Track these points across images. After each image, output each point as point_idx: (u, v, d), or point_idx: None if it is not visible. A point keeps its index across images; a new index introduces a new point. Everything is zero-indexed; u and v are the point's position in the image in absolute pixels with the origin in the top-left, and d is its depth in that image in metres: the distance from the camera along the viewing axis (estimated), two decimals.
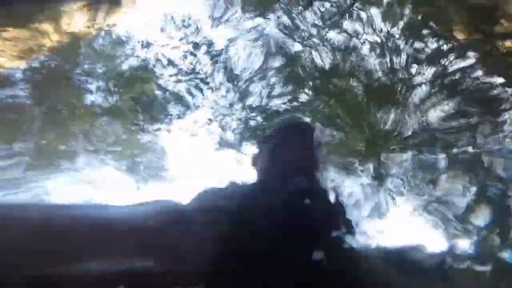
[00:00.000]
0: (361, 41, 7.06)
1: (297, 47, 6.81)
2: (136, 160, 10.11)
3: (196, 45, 6.77)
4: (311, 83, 6.89)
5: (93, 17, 8.16)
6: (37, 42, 8.04)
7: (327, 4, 6.37)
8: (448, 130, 7.90)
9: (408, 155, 7.92)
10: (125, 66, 7.90)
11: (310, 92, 7.07)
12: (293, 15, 6.54)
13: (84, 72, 7.75)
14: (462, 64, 7.87)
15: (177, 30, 6.69)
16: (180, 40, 6.79)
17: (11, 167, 9.50)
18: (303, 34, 6.67)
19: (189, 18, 6.52)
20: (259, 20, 6.43)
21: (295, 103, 7.12)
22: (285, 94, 7.04)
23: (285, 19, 6.60)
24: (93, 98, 8.07)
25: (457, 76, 7.85)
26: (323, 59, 6.93)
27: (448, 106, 8.14)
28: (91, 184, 9.85)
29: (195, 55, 6.86)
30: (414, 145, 7.90)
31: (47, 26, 7.91)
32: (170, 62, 7.09)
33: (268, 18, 6.52)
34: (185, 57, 6.91)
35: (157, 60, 7.04)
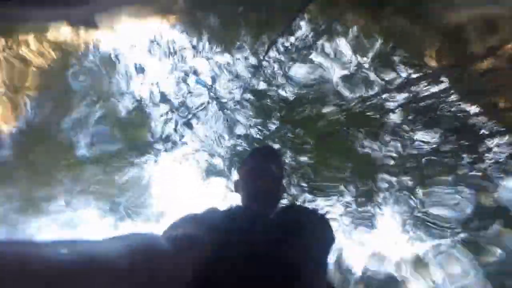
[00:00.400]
0: (329, 72, 7.30)
1: (263, 85, 7.06)
2: (116, 199, 10.12)
3: (186, 75, 6.89)
4: (278, 114, 7.05)
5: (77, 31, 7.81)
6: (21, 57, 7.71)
7: (292, 39, 6.70)
8: (427, 157, 7.85)
9: (386, 182, 7.84)
10: (122, 110, 7.90)
11: (277, 122, 7.22)
12: (259, 55, 6.87)
13: (75, 121, 7.84)
14: (435, 89, 7.97)
15: (166, 57, 6.83)
16: (171, 67, 6.89)
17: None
18: (268, 72, 6.95)
19: (174, 45, 6.67)
20: (228, 56, 6.76)
21: (266, 132, 7.27)
22: (258, 124, 7.21)
23: (251, 59, 6.93)
24: (80, 152, 8.08)
25: (431, 101, 7.92)
26: (288, 93, 7.16)
27: (426, 134, 8.16)
28: (71, 225, 9.81)
29: (187, 85, 6.92)
30: (393, 172, 7.84)
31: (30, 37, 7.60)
32: (163, 97, 7.15)
33: (237, 58, 6.85)
34: (177, 86, 6.96)
35: (151, 94, 7.11)
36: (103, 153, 7.56)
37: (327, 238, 1.07)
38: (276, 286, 0.82)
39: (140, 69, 6.71)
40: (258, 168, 1.23)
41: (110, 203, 10.56)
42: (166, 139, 7.19)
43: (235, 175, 7.46)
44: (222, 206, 1.13)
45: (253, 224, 0.98)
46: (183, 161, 7.68)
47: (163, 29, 6.56)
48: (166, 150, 7.39)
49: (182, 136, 7.17)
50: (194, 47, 6.69)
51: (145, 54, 6.64)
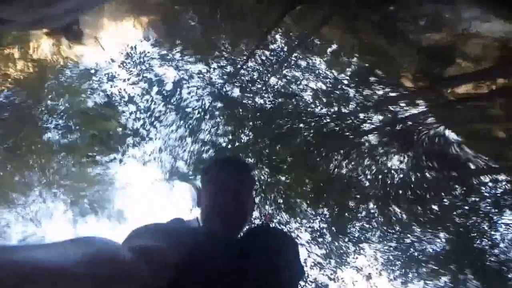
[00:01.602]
0: (303, 87, 7.22)
1: (237, 91, 7.03)
2: (81, 193, 10.09)
3: (151, 83, 6.98)
4: (251, 124, 6.96)
5: (58, 43, 8.32)
6: (1, 72, 8.32)
7: (267, 53, 6.63)
8: (405, 184, 7.69)
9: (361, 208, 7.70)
10: (90, 103, 8.15)
11: (251, 134, 7.14)
12: (237, 64, 6.81)
13: (47, 110, 8.02)
14: (412, 111, 7.86)
15: (134, 67, 6.92)
16: (137, 76, 7.00)
17: None
18: (244, 79, 6.89)
19: (144, 55, 6.76)
20: (201, 66, 6.73)
21: (238, 143, 7.16)
22: (228, 134, 7.13)
23: (228, 68, 6.88)
24: (52, 135, 8.31)
25: (409, 124, 7.81)
26: (265, 102, 7.10)
27: (403, 157, 8.00)
28: (35, 220, 9.81)
29: (150, 94, 7.04)
30: (371, 197, 7.69)
31: (14, 50, 8.18)
32: (131, 100, 7.29)
33: (211, 67, 6.81)
34: (143, 94, 7.10)
35: (121, 97, 7.23)
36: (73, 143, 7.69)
37: (297, 270, 0.99)
38: None
39: (112, 76, 6.89)
40: (222, 183, 1.09)
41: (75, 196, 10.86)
42: (135, 133, 7.20)
43: (197, 186, 7.40)
44: (186, 220, 1.05)
45: (216, 245, 0.92)
46: (148, 160, 7.72)
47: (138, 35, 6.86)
48: (133, 146, 7.38)
49: (148, 133, 7.15)
50: (164, 56, 6.78)
51: (119, 62, 6.93)
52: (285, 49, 7.01)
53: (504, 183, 7.09)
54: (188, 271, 0.74)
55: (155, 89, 6.91)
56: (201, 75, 6.89)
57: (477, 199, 7.16)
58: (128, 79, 6.87)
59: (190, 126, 7.03)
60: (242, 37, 6.49)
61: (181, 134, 7.11)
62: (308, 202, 7.51)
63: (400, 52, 7.76)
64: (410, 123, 8.46)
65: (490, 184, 7.14)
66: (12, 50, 7.84)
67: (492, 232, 6.78)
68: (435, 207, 7.42)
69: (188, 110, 6.94)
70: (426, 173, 7.83)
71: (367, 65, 7.42)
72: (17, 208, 9.28)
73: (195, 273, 0.75)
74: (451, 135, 7.93)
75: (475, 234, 6.94)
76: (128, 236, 0.83)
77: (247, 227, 1.09)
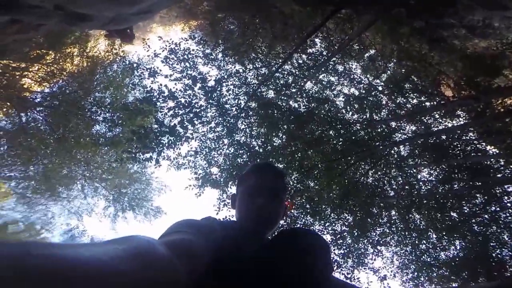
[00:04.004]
0: (337, 92, 7.25)
1: (272, 93, 7.17)
2: (123, 190, 10.53)
3: (194, 80, 7.26)
4: (284, 127, 7.03)
5: (112, 43, 9.19)
6: (59, 66, 9.17)
7: (304, 57, 6.78)
8: (430, 194, 7.41)
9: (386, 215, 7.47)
10: (131, 97, 8.64)
11: (284, 137, 7.19)
12: (271, 66, 7.00)
13: (95, 101, 8.63)
14: (449, 123, 7.58)
15: (178, 63, 7.29)
16: (181, 72, 7.34)
17: (23, 189, 10.35)
18: (279, 83, 7.06)
19: (188, 53, 7.12)
20: (239, 66, 7.00)
21: (270, 146, 7.22)
22: (261, 136, 7.22)
23: (263, 70, 7.10)
24: (99, 128, 8.87)
25: (444, 137, 7.52)
26: (299, 106, 7.19)
27: (433, 169, 7.70)
28: (77, 214, 10.34)
29: (192, 89, 7.29)
30: (394, 206, 7.45)
31: (73, 49, 9.08)
32: (171, 95, 7.59)
33: (247, 68, 7.06)
34: (184, 90, 7.38)
35: (160, 92, 7.59)
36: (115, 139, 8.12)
37: (327, 264, 1.00)
38: None
39: (154, 72, 7.23)
40: (259, 186, 1.15)
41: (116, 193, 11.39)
42: (171, 131, 7.37)
43: (232, 188, 7.55)
44: (218, 219, 1.18)
45: (248, 244, 0.99)
46: (182, 162, 7.88)
47: (183, 36, 7.26)
48: (168, 145, 7.56)
49: (184, 132, 7.32)
50: (207, 55, 7.12)
51: (163, 58, 7.24)
52: (323, 53, 7.14)
53: None
54: (218, 266, 0.78)
55: (193, 85, 7.11)
56: (239, 75, 7.14)
57: (498, 209, 7.04)
58: (170, 75, 7.14)
59: (225, 126, 7.18)
60: (280, 41, 6.72)
61: (216, 134, 7.31)
62: (333, 207, 7.43)
63: (442, 58, 7.44)
64: (445, 136, 8.40)
65: None
66: (72, 49, 8.67)
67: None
68: (454, 215, 7.33)
69: (224, 109, 7.13)
70: (453, 184, 7.58)
71: (403, 71, 7.40)
72: (63, 201, 9.87)
73: (224, 268, 0.80)
74: (490, 150, 7.59)
75: (493, 243, 6.73)
76: (163, 233, 0.86)
77: (278, 227, 1.17)
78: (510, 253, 6.53)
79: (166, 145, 7.40)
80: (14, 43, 7.29)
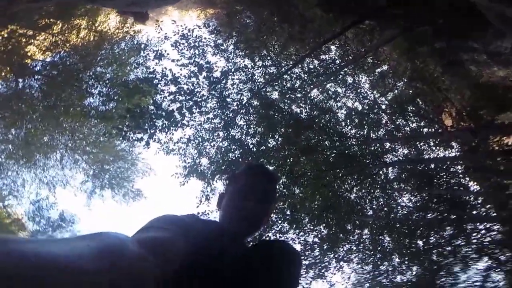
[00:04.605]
0: (341, 104, 7.27)
1: (276, 94, 7.15)
2: (105, 166, 10.22)
3: (201, 68, 7.12)
4: (282, 130, 7.01)
5: (124, 21, 8.99)
6: (64, 37, 8.92)
7: (316, 62, 6.77)
8: (405, 219, 7.56)
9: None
10: (132, 76, 8.46)
11: (280, 140, 7.17)
12: (281, 67, 6.96)
13: (94, 75, 8.40)
14: (441, 153, 7.70)
15: (188, 49, 7.09)
16: (188, 59, 7.18)
17: None
18: (286, 85, 7.02)
19: (200, 41, 7.00)
20: (248, 62, 6.93)
21: (264, 147, 7.18)
22: (257, 135, 7.17)
23: (272, 69, 7.07)
24: (93, 101, 8.62)
25: (432, 165, 7.64)
26: (300, 112, 7.18)
27: (414, 196, 7.84)
28: (50, 185, 9.93)
29: (197, 77, 7.16)
30: (369, 225, 7.57)
31: (81, 21, 8.84)
32: (175, 79, 7.44)
33: (256, 65, 6.99)
34: (189, 77, 7.23)
35: (164, 75, 7.43)
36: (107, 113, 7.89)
37: (296, 280, 1.02)
38: None
39: (160, 55, 7.04)
40: (251, 188, 1.13)
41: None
42: (167, 116, 7.22)
43: (218, 183, 7.51)
44: (201, 218, 1.13)
45: (229, 247, 0.96)
46: (173, 148, 7.74)
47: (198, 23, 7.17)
48: (162, 129, 7.40)
49: (180, 119, 7.18)
50: (218, 45, 7.01)
51: (173, 42, 7.07)
52: (336, 62, 7.14)
53: (495, 233, 7.15)
54: (194, 266, 0.78)
55: (199, 74, 6.95)
56: (246, 71, 7.05)
57: (463, 243, 7.27)
58: (177, 60, 6.96)
59: (223, 119, 7.09)
60: (295, 42, 6.66)
61: (212, 126, 7.22)
62: (311, 217, 7.48)
63: (452, 84, 7.47)
64: (433, 165, 8.43)
65: (482, 231, 7.17)
66: (80, 21, 8.45)
67: (459, 275, 6.88)
68: (420, 243, 7.56)
69: (226, 102, 7.01)
70: (428, 213, 7.77)
71: (411, 92, 7.55)
72: (37, 170, 9.46)
73: (200, 268, 0.79)
74: (473, 186, 7.80)
75: (443, 273, 7.03)
76: (141, 228, 0.85)
77: (258, 230, 1.15)
78: (451, 282, 6.89)
79: (159, 128, 7.27)
80: (25, 10, 7.09)
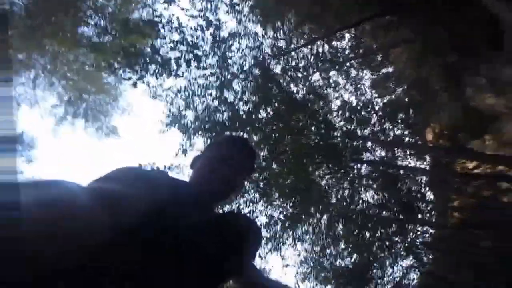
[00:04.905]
0: (338, 94, 7.33)
1: (278, 69, 7.03)
2: (83, 95, 9.68)
3: (209, 23, 6.71)
4: (274, 105, 6.99)
5: None
6: None
7: (326, 47, 6.65)
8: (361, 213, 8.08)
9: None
10: (136, 14, 7.78)
11: (270, 114, 7.17)
12: (291, 44, 6.76)
13: (93, 5, 7.62)
14: (413, 163, 8.16)
15: (200, 1, 6.67)
16: (199, 11, 6.71)
17: None
18: (291, 63, 6.89)
19: None
20: (259, 29, 6.65)
21: (254, 116, 7.17)
22: (248, 102, 7.11)
23: (281, 42, 6.86)
24: (87, 30, 7.88)
25: (402, 172, 8.11)
26: (297, 91, 7.15)
27: (377, 194, 8.34)
28: (19, 101, 9.26)
29: (203, 31, 6.76)
30: (330, 212, 8.02)
31: None
32: (180, 28, 6.99)
33: (267, 34, 6.72)
34: (195, 29, 6.82)
35: (170, 21, 6.93)
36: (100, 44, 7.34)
37: (253, 254, 1.08)
38: (187, 271, 0.82)
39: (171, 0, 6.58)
40: (230, 157, 1.10)
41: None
42: (162, 63, 6.89)
43: (197, 140, 7.46)
44: (171, 176, 1.04)
45: (195, 209, 0.93)
46: (160, 94, 7.50)
47: None
48: (154, 74, 7.09)
49: (175, 69, 6.89)
50: (234, 4, 6.63)
51: None
52: (346, 52, 7.11)
53: (427, 235, 8.12)
54: (152, 223, 0.74)
55: (206, 29, 6.64)
56: (256, 38, 6.79)
57: (400, 240, 7.97)
58: (187, 10, 6.62)
59: (220, 79, 6.91)
60: (310, 22, 6.44)
61: (206, 84, 7.02)
62: (281, 194, 7.78)
63: (446, 101, 7.57)
64: (402, 172, 8.64)
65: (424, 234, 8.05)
66: None
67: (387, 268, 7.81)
68: (367, 235, 8.02)
69: (227, 63, 6.80)
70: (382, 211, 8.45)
71: (406, 100, 7.76)
72: (3, 84, 8.70)
73: (160, 227, 0.77)
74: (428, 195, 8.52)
75: (376, 265, 7.93)
76: (103, 176, 0.83)
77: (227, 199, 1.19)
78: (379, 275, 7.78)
79: (151, 72, 6.97)
80: None
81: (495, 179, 7.75)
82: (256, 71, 7.00)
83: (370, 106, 7.58)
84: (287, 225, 7.77)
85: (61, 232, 0.48)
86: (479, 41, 5.62)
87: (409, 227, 7.71)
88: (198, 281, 0.83)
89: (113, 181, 0.77)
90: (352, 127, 7.80)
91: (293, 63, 6.89)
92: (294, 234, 8.08)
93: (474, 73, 6.81)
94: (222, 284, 0.95)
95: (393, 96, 7.64)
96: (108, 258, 0.63)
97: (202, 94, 7.22)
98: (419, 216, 7.83)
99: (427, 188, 8.04)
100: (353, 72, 7.26)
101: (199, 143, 7.53)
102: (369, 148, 8.08)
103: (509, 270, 5.84)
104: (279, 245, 7.89)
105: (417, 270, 7.35)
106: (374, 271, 7.65)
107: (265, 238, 7.55)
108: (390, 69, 7.50)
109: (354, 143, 8.02)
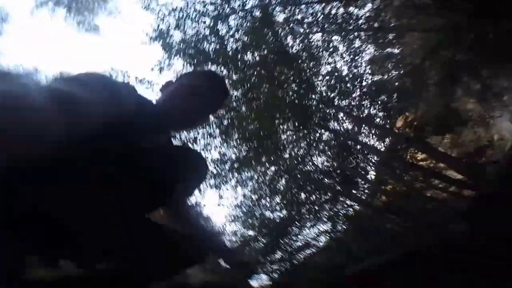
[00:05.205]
0: (333, 62, 6.69)
1: (281, 17, 6.04)
2: None
3: None
4: (265, 51, 6.35)
5: None
6: None
7: (341, 11, 5.66)
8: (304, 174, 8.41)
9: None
10: None
11: (257, 58, 6.51)
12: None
13: None
14: (374, 143, 8.33)
15: None
16: None
17: None
18: (296, 13, 5.88)
19: None
20: None
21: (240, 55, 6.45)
22: (239, 41, 6.29)
23: None
24: None
25: (359, 147, 8.30)
26: (292, 45, 6.38)
27: (327, 161, 8.59)
28: None
29: None
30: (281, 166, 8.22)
31: None
32: None
33: None
34: None
35: None
36: None
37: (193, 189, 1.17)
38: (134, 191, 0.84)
39: None
40: (204, 91, 1.08)
41: None
42: None
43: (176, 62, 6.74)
44: (141, 94, 0.98)
45: (154, 131, 0.94)
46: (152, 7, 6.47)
47: None
48: None
49: None
50: None
51: None
52: (360, 21, 6.26)
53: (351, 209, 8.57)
54: (105, 134, 0.71)
55: None
56: None
57: (328, 208, 8.48)
58: None
59: (217, 11, 6.26)
60: None
61: (202, 11, 6.32)
62: (240, 137, 7.69)
63: (432, 95, 7.49)
64: (360, 147, 8.58)
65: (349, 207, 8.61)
66: None
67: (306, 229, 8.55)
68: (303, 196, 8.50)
69: None
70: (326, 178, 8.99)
71: (397, 84, 7.44)
72: None
73: (111, 138, 0.75)
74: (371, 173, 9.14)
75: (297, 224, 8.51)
76: (68, 77, 0.79)
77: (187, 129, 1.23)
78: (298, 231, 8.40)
79: None
80: None
81: (432, 174, 8.42)
82: (257, 13, 6.15)
83: (358, 79, 7.09)
84: (235, 166, 7.99)
85: (12, 126, 0.45)
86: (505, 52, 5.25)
87: (341, 198, 8.30)
88: (137, 200, 0.86)
89: (79, 85, 0.71)
90: (332, 95, 7.43)
91: (299, 17, 5.88)
92: (239, 177, 8.38)
93: (473, 76, 6.59)
94: (157, 208, 1.01)
95: (385, 77, 7.16)
96: (56, 162, 0.62)
97: (196, 19, 6.60)
98: (354, 191, 8.38)
99: (373, 168, 8.51)
100: (357, 43, 6.47)
101: (178, 65, 7.10)
102: (339, 118, 7.97)
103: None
104: (221, 183, 8.17)
105: (327, 235, 8.18)
106: (294, 229, 8.32)
107: (210, 173, 7.70)
108: (396, 51, 6.81)
109: (327, 110, 7.82)
